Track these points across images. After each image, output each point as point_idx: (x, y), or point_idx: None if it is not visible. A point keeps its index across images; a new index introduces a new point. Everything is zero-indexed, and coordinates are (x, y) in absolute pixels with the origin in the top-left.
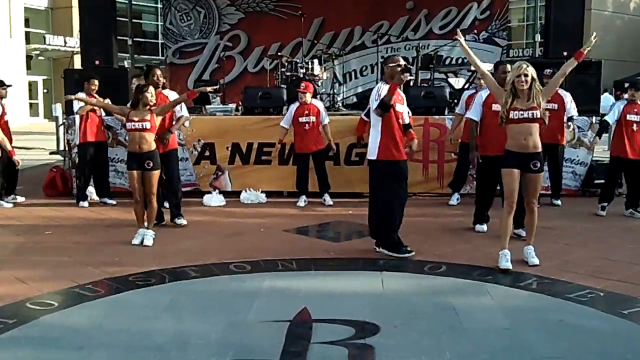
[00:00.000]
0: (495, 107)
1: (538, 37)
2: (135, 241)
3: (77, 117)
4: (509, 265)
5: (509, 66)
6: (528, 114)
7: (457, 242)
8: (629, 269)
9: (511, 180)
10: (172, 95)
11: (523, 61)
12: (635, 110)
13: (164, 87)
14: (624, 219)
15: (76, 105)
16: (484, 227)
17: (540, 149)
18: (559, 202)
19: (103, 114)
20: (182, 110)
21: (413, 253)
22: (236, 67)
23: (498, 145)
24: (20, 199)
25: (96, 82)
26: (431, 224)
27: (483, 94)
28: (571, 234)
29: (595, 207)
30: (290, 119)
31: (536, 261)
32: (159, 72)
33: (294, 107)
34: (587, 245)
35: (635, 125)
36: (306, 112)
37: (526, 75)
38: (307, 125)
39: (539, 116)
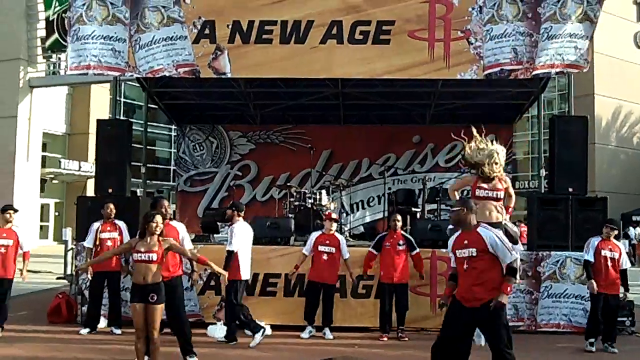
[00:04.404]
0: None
1: (543, 172)
2: None
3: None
4: (482, 342)
5: None
6: None
7: None
8: None
9: None
10: (180, 227)
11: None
12: (610, 247)
13: (170, 218)
14: None
15: (89, 241)
16: None
17: (501, 220)
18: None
19: (125, 238)
20: (187, 245)
21: None
22: (245, 196)
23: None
24: None
25: (111, 206)
26: None
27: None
28: None
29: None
30: (311, 246)
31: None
32: (166, 203)
33: (315, 234)
34: None
35: (609, 260)
36: (327, 241)
37: (496, 164)
38: (325, 255)
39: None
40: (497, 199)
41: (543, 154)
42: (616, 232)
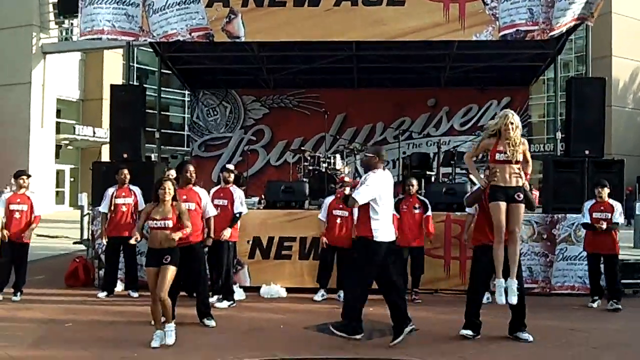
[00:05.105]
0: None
1: (559, 135)
2: (155, 344)
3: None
4: (503, 300)
5: None
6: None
7: (482, 344)
8: None
9: (499, 210)
10: (202, 192)
11: (509, 110)
12: (602, 207)
13: (195, 183)
14: None
15: (104, 206)
16: (469, 332)
17: (521, 184)
18: (619, 305)
19: (141, 205)
20: (211, 212)
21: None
22: (259, 161)
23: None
24: (15, 298)
25: (125, 171)
26: (454, 323)
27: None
28: (599, 336)
29: (623, 309)
30: (326, 212)
31: (514, 300)
32: (191, 168)
33: (329, 199)
34: (614, 348)
35: (602, 222)
36: (341, 205)
37: (512, 124)
38: (339, 219)
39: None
40: (516, 162)
41: (559, 117)
42: (607, 189)
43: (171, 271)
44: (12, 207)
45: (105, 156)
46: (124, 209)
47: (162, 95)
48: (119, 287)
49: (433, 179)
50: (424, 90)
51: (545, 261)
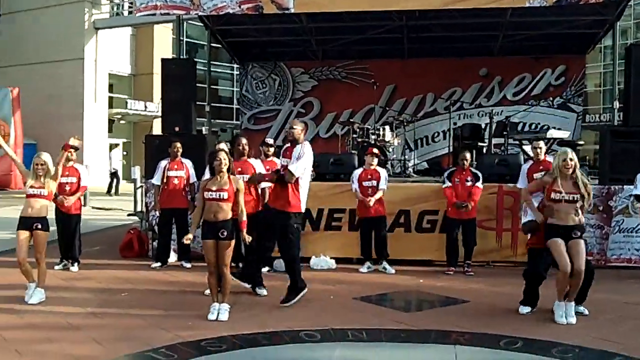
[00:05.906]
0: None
1: (616, 104)
2: (211, 316)
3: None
4: (564, 321)
5: None
6: (569, 196)
7: (536, 316)
8: None
9: (558, 245)
10: (257, 163)
11: (567, 148)
12: None
13: (249, 156)
14: None
15: (157, 179)
16: (528, 309)
17: (578, 223)
18: None
19: (192, 178)
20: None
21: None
22: (308, 133)
23: None
24: (73, 268)
25: (178, 144)
26: (507, 296)
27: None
28: None
29: None
30: (357, 185)
31: (574, 321)
32: (244, 141)
33: (357, 172)
34: None
35: None
36: (369, 176)
37: (572, 160)
38: (369, 190)
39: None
40: (574, 202)
41: (617, 86)
42: None
43: (229, 246)
44: (61, 179)
45: (156, 130)
46: (176, 182)
47: (211, 69)
48: (172, 257)
49: (485, 150)
50: (475, 60)
51: (600, 233)
